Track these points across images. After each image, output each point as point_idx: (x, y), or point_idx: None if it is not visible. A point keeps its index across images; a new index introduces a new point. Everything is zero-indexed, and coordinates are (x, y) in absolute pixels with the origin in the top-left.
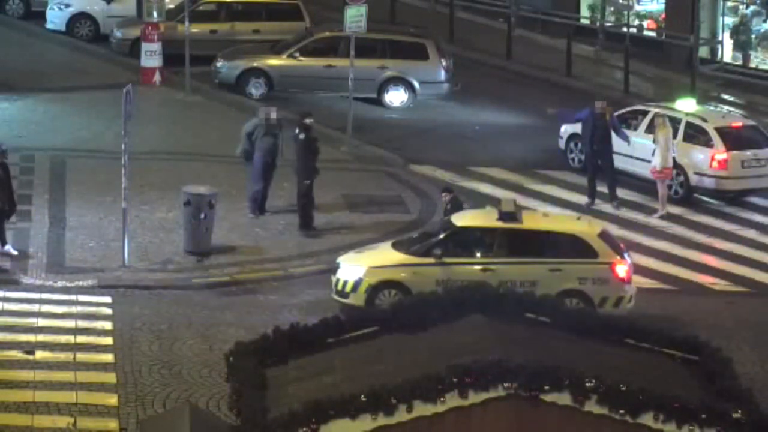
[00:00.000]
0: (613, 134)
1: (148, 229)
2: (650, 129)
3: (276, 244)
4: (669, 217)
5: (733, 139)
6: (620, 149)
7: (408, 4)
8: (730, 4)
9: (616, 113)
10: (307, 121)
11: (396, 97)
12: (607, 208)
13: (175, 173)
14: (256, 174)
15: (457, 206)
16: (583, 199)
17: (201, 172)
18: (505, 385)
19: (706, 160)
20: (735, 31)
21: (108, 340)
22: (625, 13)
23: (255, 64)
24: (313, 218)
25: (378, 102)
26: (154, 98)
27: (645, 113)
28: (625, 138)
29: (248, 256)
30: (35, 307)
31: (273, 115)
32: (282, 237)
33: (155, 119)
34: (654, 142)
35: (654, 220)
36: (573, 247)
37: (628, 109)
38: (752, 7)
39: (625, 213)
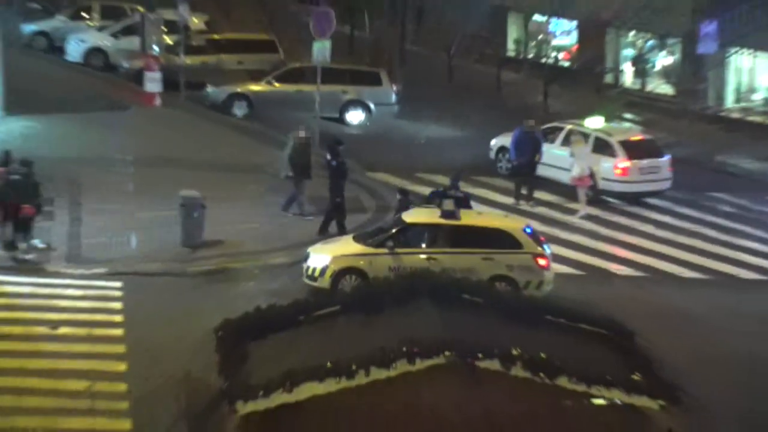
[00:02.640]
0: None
1: (151, 225)
2: (565, 142)
3: (257, 238)
4: (583, 215)
5: (633, 150)
6: (543, 159)
7: (364, 38)
8: (630, 39)
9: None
10: (340, 149)
11: (355, 116)
12: (526, 206)
13: (173, 179)
14: (298, 183)
15: (405, 205)
16: (509, 200)
17: (195, 178)
18: (446, 354)
19: (611, 168)
20: (634, 61)
21: (118, 318)
22: (544, 45)
23: (238, 89)
24: (344, 226)
25: (340, 120)
26: (155, 117)
27: (561, 129)
28: (542, 153)
29: (233, 249)
30: (58, 291)
31: (303, 134)
32: (261, 233)
33: (156, 135)
34: (571, 155)
35: (570, 217)
36: (502, 240)
37: (547, 125)
38: (650, 42)
39: (545, 211)
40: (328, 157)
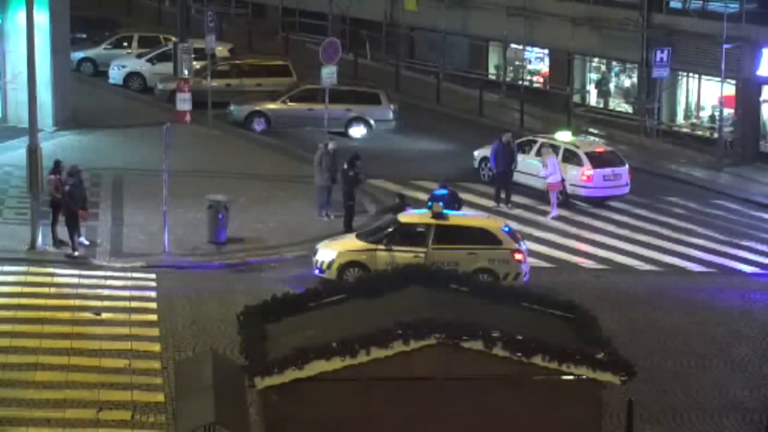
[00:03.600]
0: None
1: (182, 225)
2: (539, 153)
3: (273, 236)
4: (554, 216)
5: (597, 160)
6: (519, 168)
7: (366, 64)
8: (594, 64)
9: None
10: (357, 162)
11: (358, 131)
12: (504, 208)
13: (201, 185)
14: (322, 188)
15: (400, 208)
16: (490, 203)
17: (219, 184)
18: (436, 335)
19: (578, 176)
20: (598, 83)
21: (153, 305)
22: (521, 70)
23: (257, 108)
24: (351, 225)
25: (345, 135)
26: (185, 132)
27: (534, 142)
28: (517, 162)
29: (253, 245)
30: (102, 281)
31: (332, 147)
32: (278, 231)
33: (186, 147)
34: (542, 164)
35: (542, 217)
36: (484, 237)
37: (523, 139)
38: (614, 67)
39: (521, 213)
40: (345, 167)
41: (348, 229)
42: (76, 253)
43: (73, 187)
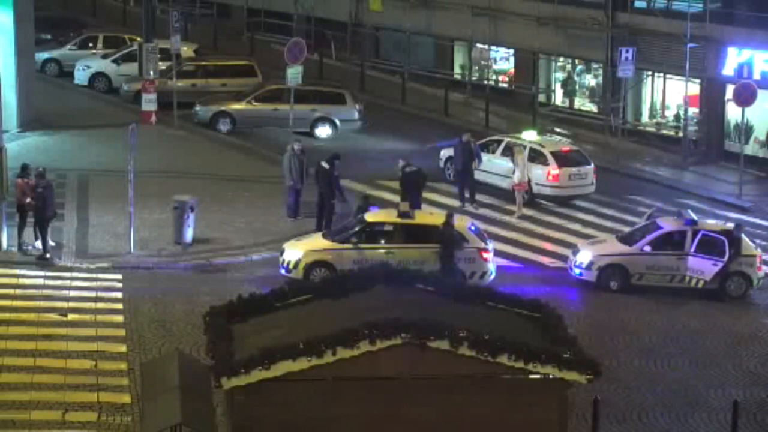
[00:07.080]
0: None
1: (148, 226)
2: (505, 153)
3: (239, 236)
4: (519, 215)
5: (563, 159)
6: (484, 167)
7: (331, 65)
8: (559, 64)
9: (479, 142)
10: (336, 161)
11: (323, 131)
12: (470, 208)
13: (167, 186)
14: (291, 190)
15: (365, 207)
16: (455, 203)
17: (185, 184)
18: (402, 335)
19: (544, 175)
20: (563, 83)
21: (119, 306)
22: (486, 69)
23: (223, 108)
24: (330, 225)
25: (310, 135)
26: (151, 133)
27: (500, 141)
28: (480, 160)
29: (220, 245)
30: (67, 282)
31: (299, 148)
32: (245, 231)
33: (152, 148)
34: (514, 164)
35: (508, 217)
36: None
37: (488, 138)
38: (579, 67)
39: (487, 212)
40: (327, 166)
41: (319, 227)
42: (48, 255)
43: (45, 190)
